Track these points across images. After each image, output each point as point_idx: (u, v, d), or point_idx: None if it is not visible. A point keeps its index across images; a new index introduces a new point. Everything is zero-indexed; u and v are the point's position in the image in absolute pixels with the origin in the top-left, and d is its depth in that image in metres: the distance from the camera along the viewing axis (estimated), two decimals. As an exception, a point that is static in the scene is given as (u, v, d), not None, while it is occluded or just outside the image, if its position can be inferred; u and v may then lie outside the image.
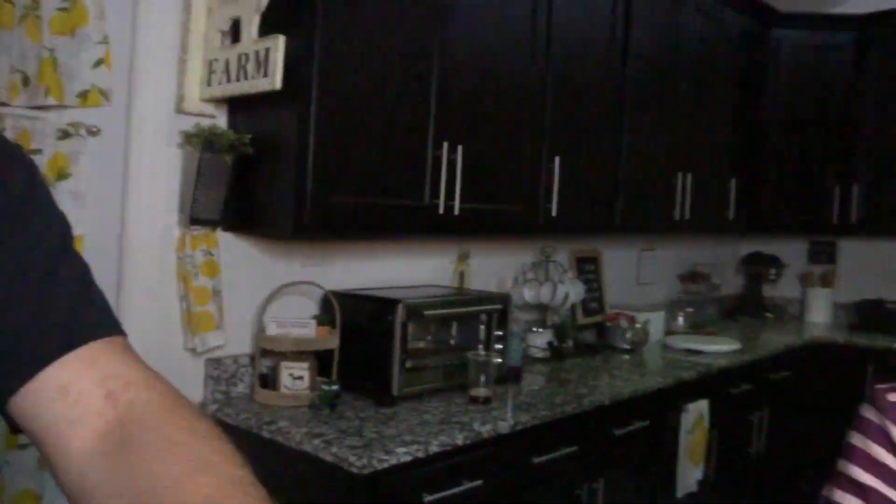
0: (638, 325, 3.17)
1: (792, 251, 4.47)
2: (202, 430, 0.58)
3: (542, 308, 3.10)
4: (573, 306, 3.19)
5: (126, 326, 0.66)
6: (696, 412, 2.91)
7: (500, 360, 2.37)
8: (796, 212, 4.06)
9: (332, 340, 2.20)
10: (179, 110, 2.05)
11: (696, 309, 3.87)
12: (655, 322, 3.38)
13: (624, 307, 3.36)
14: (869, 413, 0.80)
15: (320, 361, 2.21)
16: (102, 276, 0.69)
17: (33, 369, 0.58)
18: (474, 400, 2.22)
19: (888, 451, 0.77)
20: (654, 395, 2.68)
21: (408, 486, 1.84)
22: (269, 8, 1.91)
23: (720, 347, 3.27)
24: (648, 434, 2.67)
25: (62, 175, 1.83)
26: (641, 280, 3.73)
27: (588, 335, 3.31)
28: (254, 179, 2.08)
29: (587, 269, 3.36)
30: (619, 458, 2.56)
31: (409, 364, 2.20)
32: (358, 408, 2.13)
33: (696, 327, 3.73)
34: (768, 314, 4.37)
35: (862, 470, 0.77)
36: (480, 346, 2.36)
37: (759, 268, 4.46)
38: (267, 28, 1.91)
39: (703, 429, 2.96)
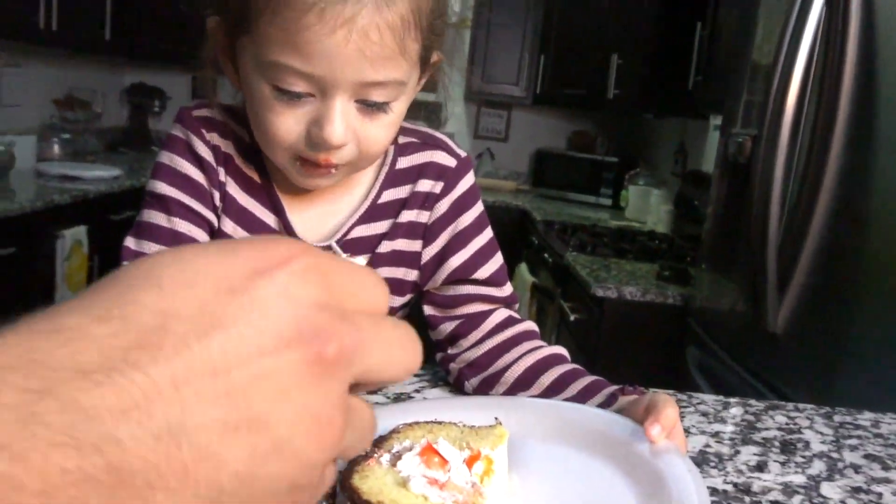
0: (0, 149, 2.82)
1: (175, 84, 4.48)
2: None
3: None
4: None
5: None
6: (73, 238, 2.77)
7: None
8: (177, 43, 4.04)
9: None
10: None
11: (75, 137, 3.61)
12: (24, 146, 3.05)
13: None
14: (176, 130, 0.81)
15: None
16: None
17: None
18: None
19: (191, 162, 0.79)
20: (21, 221, 2.44)
21: None
22: None
23: (99, 174, 3.13)
24: (19, 262, 2.45)
25: None
26: (6, 101, 3.29)
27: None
28: None
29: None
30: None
31: None
32: None
33: (75, 156, 3.50)
34: (154, 147, 4.35)
35: (165, 183, 0.79)
36: None
37: (142, 99, 4.37)
38: None
39: (81, 255, 2.85)
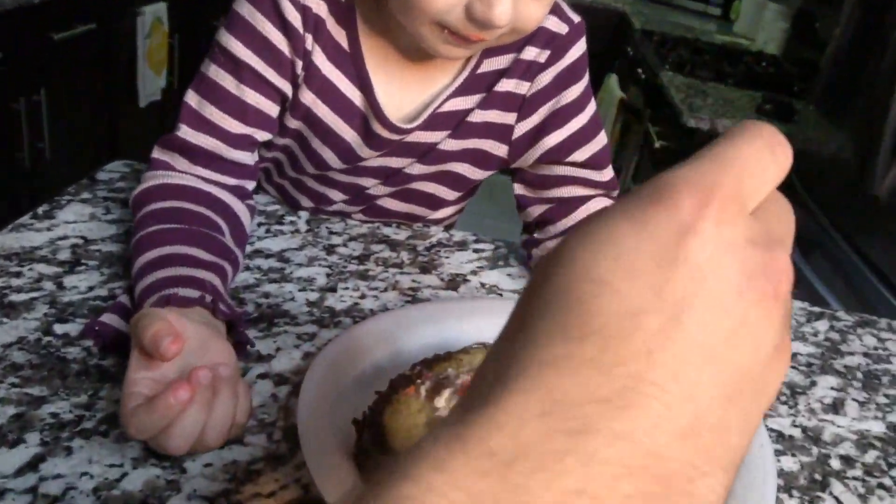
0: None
1: None
2: None
3: None
4: None
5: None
6: (153, 15, 2.70)
7: None
8: None
9: None
10: None
11: None
12: None
13: None
14: None
15: None
16: None
17: None
18: None
19: (275, 24, 0.70)
20: (100, -5, 2.38)
21: None
22: None
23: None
24: (97, 39, 2.41)
25: None
26: None
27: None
28: None
29: None
30: (62, 66, 2.28)
31: None
32: None
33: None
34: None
35: (242, 44, 0.70)
36: None
37: None
38: None
39: (162, 33, 2.79)
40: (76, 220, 0.75)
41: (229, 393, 0.50)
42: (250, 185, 0.74)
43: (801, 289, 1.65)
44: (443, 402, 0.51)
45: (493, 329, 0.65)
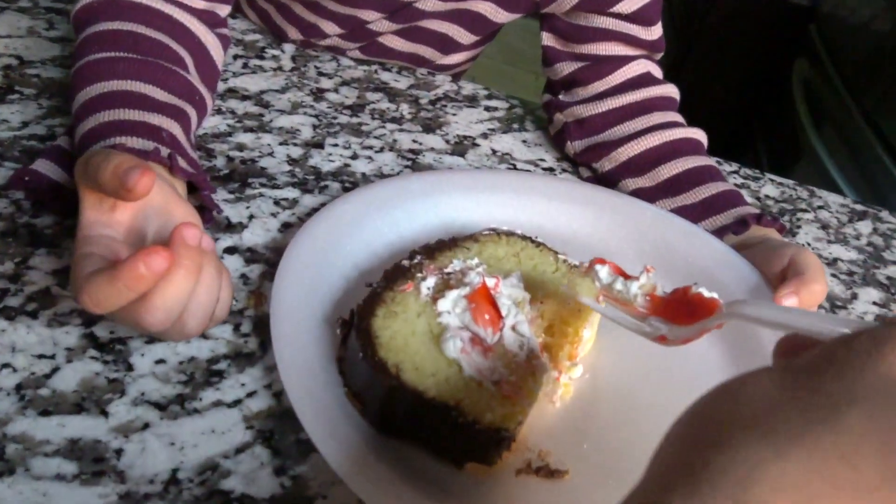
0: None
1: None
2: None
3: None
4: None
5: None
6: None
7: None
8: None
9: None
10: None
11: None
12: None
13: None
14: None
15: None
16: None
17: None
18: None
19: None
20: None
21: None
22: None
23: None
24: None
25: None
26: None
27: None
28: None
29: None
30: None
31: None
32: None
33: None
34: None
35: None
36: None
37: None
38: None
39: None
40: (10, 34, 0.62)
41: (214, 272, 0.39)
42: (223, 9, 0.60)
43: (809, 164, 1.56)
44: (448, 305, 0.43)
45: (505, 209, 0.56)
